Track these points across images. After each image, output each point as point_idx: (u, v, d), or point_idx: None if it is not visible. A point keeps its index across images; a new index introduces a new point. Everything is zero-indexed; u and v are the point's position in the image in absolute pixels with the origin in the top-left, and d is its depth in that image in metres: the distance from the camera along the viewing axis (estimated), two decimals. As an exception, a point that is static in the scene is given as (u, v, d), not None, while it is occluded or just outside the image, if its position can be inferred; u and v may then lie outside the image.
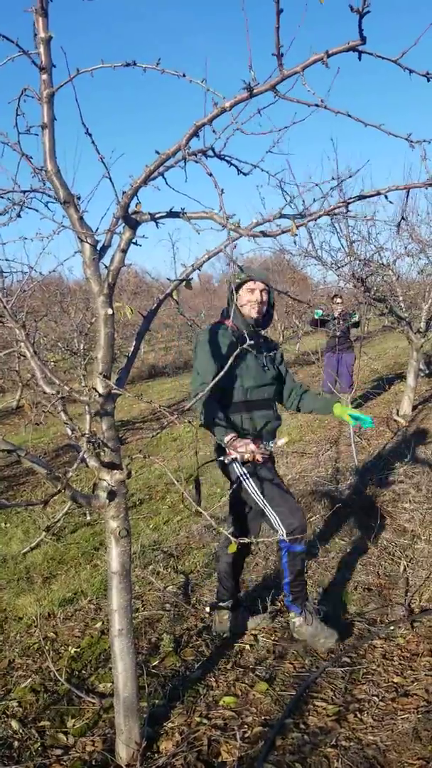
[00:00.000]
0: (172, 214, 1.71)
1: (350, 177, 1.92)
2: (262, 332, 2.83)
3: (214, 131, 1.54)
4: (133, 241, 1.75)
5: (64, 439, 7.81)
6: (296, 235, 1.67)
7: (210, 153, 1.59)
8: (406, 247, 6.57)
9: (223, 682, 2.42)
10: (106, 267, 1.75)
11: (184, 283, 1.90)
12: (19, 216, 1.88)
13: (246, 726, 2.14)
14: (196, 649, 2.68)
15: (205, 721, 2.17)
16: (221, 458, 2.58)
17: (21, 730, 2.20)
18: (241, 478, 2.60)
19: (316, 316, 7.73)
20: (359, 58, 1.33)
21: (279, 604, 3.02)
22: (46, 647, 2.77)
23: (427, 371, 9.54)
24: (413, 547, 3.51)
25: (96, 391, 1.74)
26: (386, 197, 1.69)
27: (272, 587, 3.16)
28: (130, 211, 1.67)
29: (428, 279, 6.95)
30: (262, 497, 2.57)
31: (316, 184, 1.92)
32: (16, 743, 2.13)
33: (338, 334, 7.52)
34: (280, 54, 1.33)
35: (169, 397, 11.10)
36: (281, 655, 2.58)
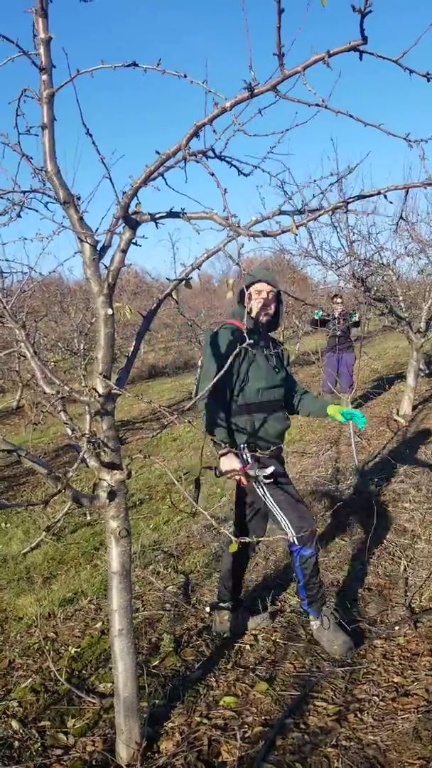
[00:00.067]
0: (171, 215, 1.71)
1: (350, 172, 1.91)
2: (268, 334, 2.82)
3: (214, 131, 1.54)
4: (133, 241, 1.75)
5: (64, 439, 7.81)
6: (296, 234, 1.67)
7: (210, 153, 1.59)
8: (406, 247, 6.57)
9: (223, 682, 2.42)
10: (106, 267, 1.75)
11: (183, 282, 1.90)
12: (19, 216, 1.88)
13: (246, 726, 2.14)
14: (197, 649, 2.68)
15: (205, 721, 2.17)
16: (214, 470, 2.58)
17: (21, 730, 2.20)
18: (252, 481, 2.58)
19: (316, 317, 7.73)
20: (360, 58, 1.33)
21: (279, 604, 3.02)
22: (47, 647, 2.77)
23: (427, 371, 9.54)
24: (413, 547, 3.52)
25: (96, 391, 1.74)
26: (386, 197, 1.69)
27: (272, 587, 3.16)
28: (130, 211, 1.68)
29: (428, 279, 6.95)
30: (272, 500, 2.56)
31: (315, 181, 1.92)
32: (16, 743, 2.13)
33: (338, 333, 7.52)
34: (281, 54, 1.33)
35: (169, 397, 11.10)
36: (281, 655, 2.58)
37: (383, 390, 8.73)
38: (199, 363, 2.79)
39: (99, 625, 2.98)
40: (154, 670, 2.53)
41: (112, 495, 1.82)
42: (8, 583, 3.63)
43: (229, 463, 2.49)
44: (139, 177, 1.60)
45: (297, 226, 1.62)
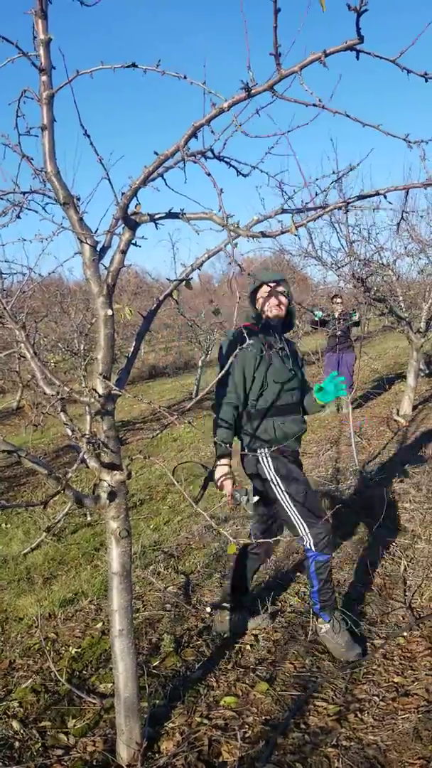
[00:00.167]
0: (171, 215, 1.72)
1: (351, 170, 1.91)
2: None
3: (212, 132, 1.54)
4: (133, 242, 1.75)
5: (64, 439, 7.82)
6: (296, 234, 1.67)
7: (209, 154, 1.60)
8: (406, 247, 6.57)
9: (223, 682, 2.42)
10: (106, 268, 1.75)
11: (184, 283, 1.90)
12: (19, 217, 1.88)
13: (247, 726, 2.14)
14: (197, 649, 2.68)
15: (205, 721, 2.17)
16: (209, 472, 2.59)
17: (22, 731, 2.20)
18: (271, 481, 2.58)
19: (316, 318, 7.74)
20: (357, 58, 1.34)
21: (279, 604, 3.02)
22: (47, 648, 2.77)
23: (427, 371, 9.54)
24: (413, 547, 3.52)
25: (96, 391, 1.75)
26: (385, 197, 1.69)
27: (273, 587, 3.16)
28: (129, 212, 1.68)
29: (428, 279, 6.95)
30: (289, 502, 2.54)
31: (316, 180, 1.92)
32: (17, 743, 2.14)
33: (338, 333, 7.52)
34: (278, 54, 1.33)
35: (169, 398, 11.11)
36: (282, 656, 2.58)
37: (383, 390, 8.73)
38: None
39: (99, 625, 2.98)
40: (154, 671, 2.53)
41: (112, 495, 1.82)
42: (9, 583, 3.63)
43: (223, 479, 2.50)
44: (138, 178, 1.60)
45: (296, 227, 1.63)
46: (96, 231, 1.69)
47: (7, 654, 2.80)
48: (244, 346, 1.79)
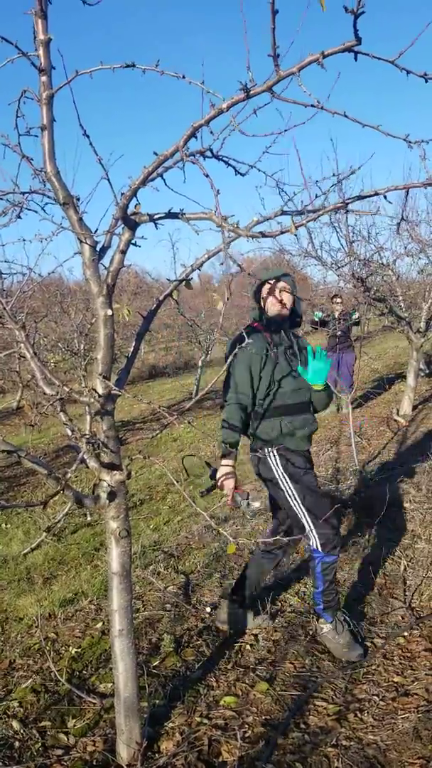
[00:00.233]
0: (170, 215, 1.72)
1: (352, 173, 1.91)
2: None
3: (211, 132, 1.54)
4: (133, 242, 1.75)
5: (64, 439, 7.82)
6: (295, 234, 1.67)
7: (208, 154, 1.60)
8: (405, 247, 6.57)
9: (223, 682, 2.42)
10: (106, 268, 1.75)
11: (183, 283, 1.90)
12: (19, 217, 1.88)
13: (247, 726, 2.14)
14: (197, 649, 2.68)
15: (205, 721, 2.17)
16: (212, 471, 2.59)
17: (22, 731, 2.20)
18: (279, 481, 2.58)
19: (316, 318, 7.74)
20: (355, 59, 1.34)
21: (279, 604, 3.02)
22: (47, 648, 2.78)
23: (427, 371, 9.54)
24: (413, 547, 3.52)
25: (96, 391, 1.75)
26: (385, 197, 1.69)
27: (273, 587, 3.16)
28: (129, 212, 1.68)
29: (428, 279, 6.95)
30: (299, 502, 2.54)
31: (316, 182, 1.92)
32: (17, 743, 2.14)
33: (338, 333, 7.53)
34: (277, 55, 1.33)
35: (169, 398, 11.11)
36: (282, 655, 2.58)
37: (383, 390, 8.74)
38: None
39: (99, 625, 2.98)
40: (154, 671, 2.53)
41: (112, 496, 1.82)
42: (9, 583, 3.63)
43: (226, 480, 2.50)
44: (137, 178, 1.60)
45: (296, 227, 1.63)
46: (96, 231, 1.69)
47: (7, 654, 2.80)
48: (243, 345, 1.79)
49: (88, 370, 7.54)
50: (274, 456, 2.58)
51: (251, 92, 1.43)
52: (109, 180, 1.64)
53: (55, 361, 8.29)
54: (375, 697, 2.26)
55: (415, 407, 7.05)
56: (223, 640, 2.75)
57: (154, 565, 3.64)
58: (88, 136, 1.60)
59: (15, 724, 2.24)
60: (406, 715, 2.14)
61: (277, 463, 2.58)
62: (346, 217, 5.98)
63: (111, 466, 1.82)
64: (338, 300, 7.78)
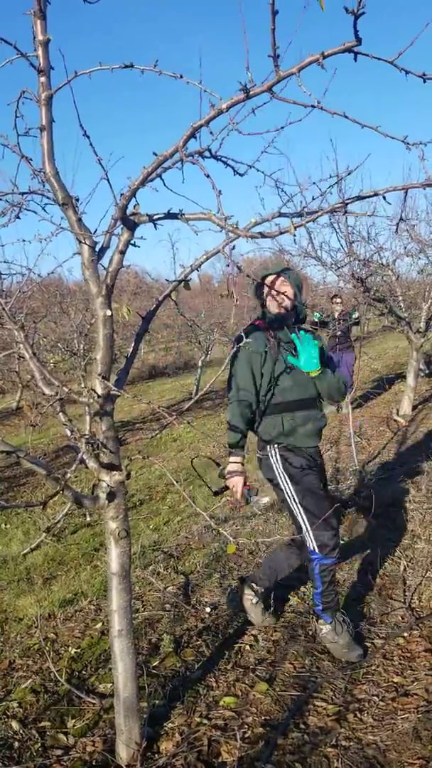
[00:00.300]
0: (170, 216, 1.72)
1: (350, 173, 1.92)
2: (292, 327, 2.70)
3: (211, 132, 1.54)
4: (132, 242, 1.75)
5: (63, 440, 7.82)
6: (294, 235, 1.67)
7: (207, 154, 1.60)
8: (405, 247, 6.58)
9: (223, 683, 2.42)
10: (105, 268, 1.75)
11: (182, 283, 1.90)
12: (18, 218, 1.88)
13: (246, 726, 2.14)
14: (197, 649, 2.68)
15: (205, 721, 2.17)
16: (221, 469, 2.59)
17: (21, 731, 2.20)
18: (279, 481, 2.57)
19: (315, 319, 7.75)
20: (355, 59, 1.34)
21: (279, 604, 3.02)
22: (47, 648, 2.77)
23: (427, 371, 9.54)
24: (413, 547, 3.52)
25: (95, 392, 1.75)
26: (384, 198, 1.69)
27: (273, 587, 3.15)
28: (128, 212, 1.68)
29: (428, 279, 6.95)
30: (298, 503, 2.53)
31: (314, 183, 1.92)
32: (16, 744, 2.14)
33: (338, 333, 7.53)
34: (276, 55, 1.33)
35: (169, 398, 11.11)
36: (281, 656, 2.58)
37: (383, 390, 8.74)
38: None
39: (99, 625, 2.98)
40: (154, 671, 2.53)
41: (111, 496, 1.82)
42: (8, 583, 3.63)
43: (234, 480, 2.50)
44: (136, 178, 1.60)
45: (295, 227, 1.63)
46: (95, 231, 1.69)
47: (6, 654, 2.80)
48: (241, 344, 1.80)
49: (88, 370, 7.54)
50: (275, 456, 2.58)
51: (251, 92, 1.43)
52: (108, 180, 1.64)
53: (55, 361, 8.29)
54: (375, 698, 2.26)
55: (414, 407, 7.05)
56: (222, 640, 2.75)
57: (154, 565, 3.63)
58: (88, 137, 1.60)
59: (14, 725, 2.24)
60: (406, 715, 2.14)
61: (277, 461, 2.58)
62: (346, 218, 5.98)
63: (110, 467, 1.82)
64: (338, 300, 7.78)
